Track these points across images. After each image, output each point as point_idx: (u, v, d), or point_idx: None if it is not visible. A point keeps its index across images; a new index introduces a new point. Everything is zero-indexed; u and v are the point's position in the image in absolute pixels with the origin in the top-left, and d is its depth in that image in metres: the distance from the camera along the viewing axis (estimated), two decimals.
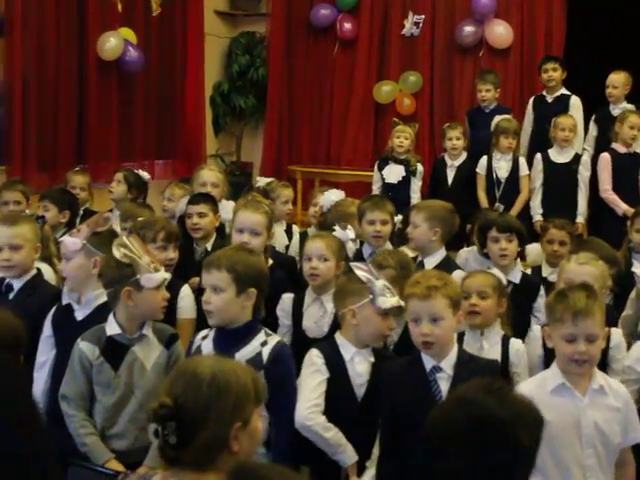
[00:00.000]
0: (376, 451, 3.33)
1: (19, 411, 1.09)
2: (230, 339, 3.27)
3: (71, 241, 3.79)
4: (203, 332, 3.44)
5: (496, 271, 4.14)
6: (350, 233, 4.37)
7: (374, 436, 3.36)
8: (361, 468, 3.35)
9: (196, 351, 3.35)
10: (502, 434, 1.94)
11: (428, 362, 3.21)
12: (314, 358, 3.42)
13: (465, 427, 1.96)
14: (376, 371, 3.41)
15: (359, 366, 3.42)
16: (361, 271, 3.45)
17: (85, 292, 3.74)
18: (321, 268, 4.06)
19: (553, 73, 7.88)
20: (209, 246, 4.96)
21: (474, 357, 3.35)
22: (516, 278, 4.55)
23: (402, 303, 3.35)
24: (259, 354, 3.22)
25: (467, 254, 5.46)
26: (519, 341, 3.86)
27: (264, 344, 3.27)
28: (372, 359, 3.44)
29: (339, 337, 3.48)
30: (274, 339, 3.32)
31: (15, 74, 7.28)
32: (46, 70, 7.63)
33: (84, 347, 3.35)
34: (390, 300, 3.37)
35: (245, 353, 3.21)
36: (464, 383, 2.20)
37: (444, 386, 3.16)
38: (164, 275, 3.39)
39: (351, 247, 4.39)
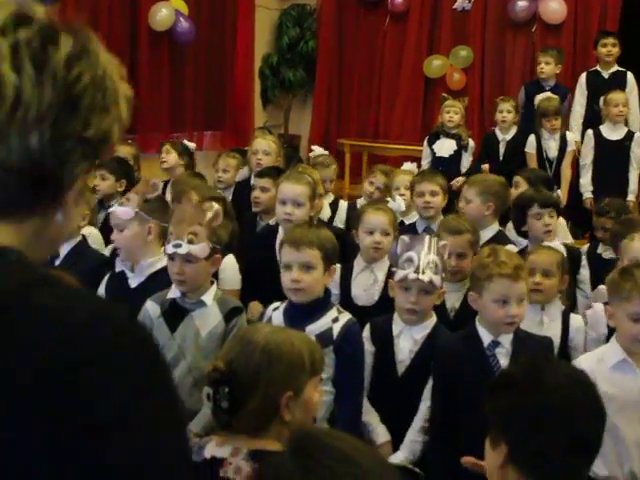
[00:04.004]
0: (411, 436, 3.30)
1: None
2: (302, 313, 3.26)
3: (123, 211, 3.75)
4: (275, 304, 3.41)
5: (558, 245, 4.05)
6: (402, 204, 4.37)
7: (411, 417, 3.33)
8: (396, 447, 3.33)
9: (267, 322, 3.32)
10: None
11: (486, 337, 3.18)
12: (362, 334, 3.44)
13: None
14: (424, 348, 3.38)
15: (402, 342, 3.40)
16: (399, 244, 3.42)
17: (139, 260, 3.76)
18: (384, 242, 4.04)
19: (612, 48, 7.74)
20: (273, 222, 4.72)
21: (529, 334, 3.30)
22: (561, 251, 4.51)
23: (418, 276, 3.26)
24: (329, 330, 3.21)
25: None
26: (579, 317, 3.84)
27: (335, 320, 3.25)
28: (419, 337, 3.38)
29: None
30: (345, 317, 3.29)
31: None
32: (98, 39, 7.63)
33: (149, 306, 3.43)
34: (400, 273, 3.32)
35: (315, 328, 3.19)
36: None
37: (503, 360, 3.13)
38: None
39: (397, 217, 4.40)
